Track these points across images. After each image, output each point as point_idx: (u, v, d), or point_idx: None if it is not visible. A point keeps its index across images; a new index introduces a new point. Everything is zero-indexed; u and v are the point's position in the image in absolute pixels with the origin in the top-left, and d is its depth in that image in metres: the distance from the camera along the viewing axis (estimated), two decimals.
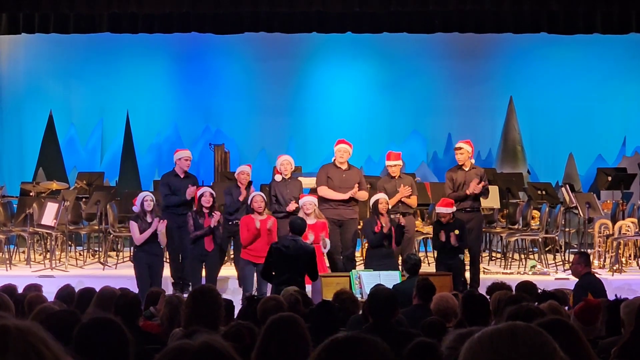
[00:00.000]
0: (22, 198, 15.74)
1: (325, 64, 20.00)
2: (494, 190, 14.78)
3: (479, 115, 19.82)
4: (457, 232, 12.48)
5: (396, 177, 13.41)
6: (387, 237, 12.36)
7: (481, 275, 13.47)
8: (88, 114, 19.94)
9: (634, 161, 17.97)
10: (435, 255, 12.98)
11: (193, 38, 18.39)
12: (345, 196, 13.01)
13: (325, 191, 13.15)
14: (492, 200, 14.74)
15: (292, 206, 12.98)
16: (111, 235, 15.17)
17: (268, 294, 10.24)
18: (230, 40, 18.41)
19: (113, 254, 15.46)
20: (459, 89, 19.75)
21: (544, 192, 15.47)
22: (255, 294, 11.55)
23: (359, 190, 13.17)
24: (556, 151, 19.53)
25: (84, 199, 16.03)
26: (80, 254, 15.71)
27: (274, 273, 10.91)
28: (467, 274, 12.97)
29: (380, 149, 18.31)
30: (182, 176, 13.53)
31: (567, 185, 15.84)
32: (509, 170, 18.11)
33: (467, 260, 13.01)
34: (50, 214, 14.07)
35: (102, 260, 15.00)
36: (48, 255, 14.75)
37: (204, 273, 12.62)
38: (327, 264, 12.82)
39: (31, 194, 15.90)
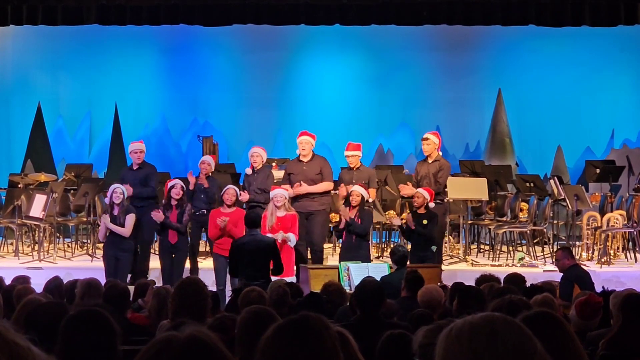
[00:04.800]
0: (10, 190, 15.71)
1: (313, 56, 19.96)
2: (482, 182, 14.78)
3: (468, 108, 19.81)
4: (425, 222, 12.43)
5: (354, 169, 13.21)
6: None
7: (470, 267, 13.47)
8: (76, 105, 19.87)
9: (622, 154, 17.99)
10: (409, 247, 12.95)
11: (181, 30, 18.34)
12: (291, 192, 12.69)
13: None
14: (480, 193, 14.72)
15: (245, 196, 12.87)
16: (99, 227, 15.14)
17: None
18: (218, 32, 18.37)
19: (101, 245, 15.41)
20: (448, 81, 19.73)
21: (532, 185, 15.48)
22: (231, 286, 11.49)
23: (324, 182, 12.93)
24: (544, 143, 19.52)
25: (72, 191, 16.00)
26: (68, 246, 15.70)
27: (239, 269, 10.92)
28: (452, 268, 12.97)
29: (369, 141, 18.27)
30: (134, 168, 13.65)
31: (556, 178, 15.86)
32: (497, 163, 18.11)
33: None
34: (38, 205, 14.04)
35: (90, 252, 14.97)
36: (36, 247, 14.72)
37: None
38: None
39: (19, 185, 15.86)
